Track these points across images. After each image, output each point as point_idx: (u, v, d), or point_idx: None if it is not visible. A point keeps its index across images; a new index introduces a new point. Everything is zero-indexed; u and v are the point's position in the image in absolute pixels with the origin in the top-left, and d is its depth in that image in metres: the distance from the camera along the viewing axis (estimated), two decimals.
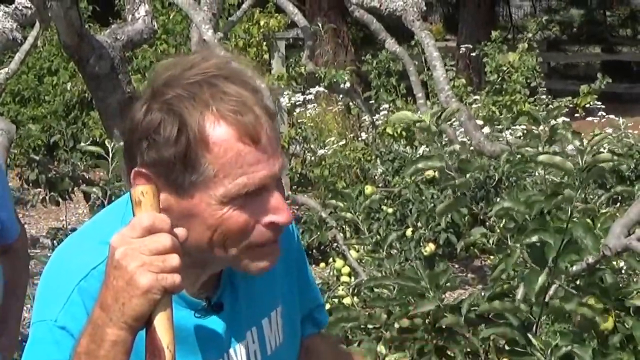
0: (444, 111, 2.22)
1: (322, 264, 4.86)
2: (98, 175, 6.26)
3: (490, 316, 2.33)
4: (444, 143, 2.34)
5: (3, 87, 4.51)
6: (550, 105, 7.19)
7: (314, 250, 5.63)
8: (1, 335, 2.15)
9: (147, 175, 1.17)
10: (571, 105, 7.49)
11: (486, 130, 5.96)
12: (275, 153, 1.19)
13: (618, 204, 4.69)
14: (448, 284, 2.35)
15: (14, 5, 4.21)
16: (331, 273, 4.13)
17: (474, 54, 8.61)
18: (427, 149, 5.77)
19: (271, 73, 8.75)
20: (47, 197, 5.13)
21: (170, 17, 9.25)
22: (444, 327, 2.34)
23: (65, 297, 1.21)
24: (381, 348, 2.46)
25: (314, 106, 8.10)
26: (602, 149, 2.00)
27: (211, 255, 1.23)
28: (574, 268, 2.10)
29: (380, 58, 8.00)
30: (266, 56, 9.00)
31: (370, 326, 2.54)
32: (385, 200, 5.26)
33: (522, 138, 5.45)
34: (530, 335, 2.05)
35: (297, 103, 8.06)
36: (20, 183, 5.70)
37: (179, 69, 1.19)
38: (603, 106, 7.68)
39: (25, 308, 2.66)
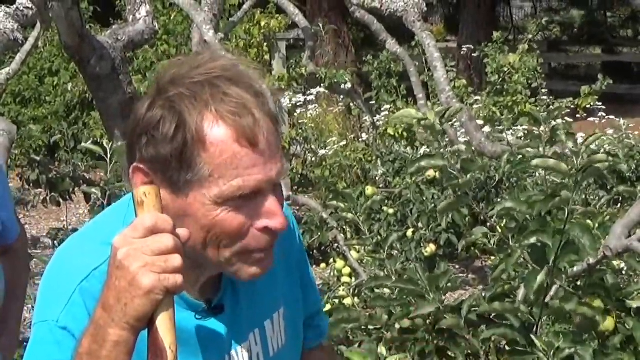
0: (448, 110, 2.22)
1: (323, 265, 4.86)
2: (99, 175, 6.26)
3: (491, 317, 2.33)
4: (444, 144, 2.34)
5: (4, 88, 4.52)
6: (552, 106, 7.19)
7: (315, 251, 5.63)
8: (1, 336, 2.15)
9: (145, 171, 1.18)
10: (572, 106, 7.49)
11: (486, 129, 5.96)
12: (274, 158, 1.18)
13: (619, 204, 4.69)
14: (449, 285, 2.34)
15: (15, 6, 4.21)
16: (332, 274, 4.13)
17: (474, 55, 8.61)
18: (428, 150, 5.77)
19: (272, 74, 8.75)
20: (47, 198, 5.13)
21: (171, 17, 9.26)
22: (444, 328, 2.34)
23: (66, 297, 1.21)
24: (382, 349, 2.46)
25: (315, 107, 8.11)
26: (602, 150, 2.00)
27: (205, 257, 1.22)
28: (575, 269, 2.10)
29: (381, 59, 8.01)
30: (267, 57, 9.00)
31: (371, 327, 2.54)
32: (386, 201, 5.26)
33: (522, 139, 5.46)
34: (533, 337, 2.05)
35: (298, 104, 8.06)
36: (21, 183, 5.70)
37: (186, 68, 1.19)
38: (604, 107, 7.68)
39: (26, 308, 2.66)
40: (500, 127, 6.50)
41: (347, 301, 3.22)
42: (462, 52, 9.84)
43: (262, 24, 8.83)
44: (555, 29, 18.52)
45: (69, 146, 5.99)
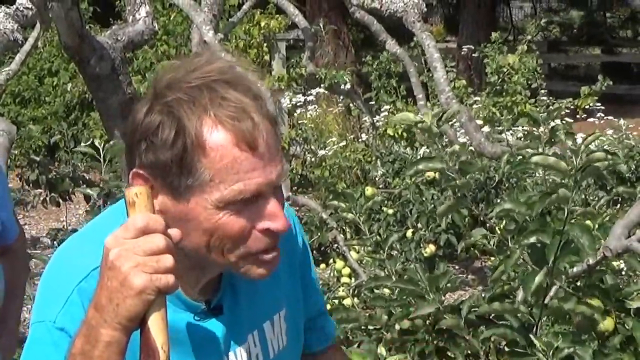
0: (445, 112, 2.22)
1: (323, 265, 4.86)
2: (98, 176, 6.26)
3: (490, 317, 2.33)
4: (444, 144, 2.34)
5: (4, 88, 4.52)
6: (551, 107, 7.19)
7: (314, 252, 5.63)
8: (1, 336, 2.15)
9: (145, 177, 1.18)
10: (572, 107, 7.49)
11: (485, 129, 5.96)
12: (274, 160, 1.18)
13: (618, 205, 4.69)
14: (449, 285, 2.35)
15: (15, 6, 4.21)
16: (331, 274, 4.13)
17: (474, 55, 8.62)
18: (428, 150, 5.78)
19: (272, 74, 8.75)
20: (47, 198, 5.13)
21: (171, 18, 9.26)
22: (444, 328, 2.34)
23: (64, 298, 1.21)
24: (382, 349, 2.46)
25: (315, 107, 8.11)
26: (600, 150, 2.00)
27: (210, 259, 1.23)
28: (574, 269, 2.10)
29: (380, 59, 8.01)
30: (267, 57, 9.00)
31: (370, 327, 2.54)
32: (386, 202, 5.26)
33: (522, 139, 5.46)
34: (532, 337, 2.05)
35: (298, 104, 8.06)
36: (21, 184, 5.70)
37: (182, 71, 1.19)
38: (603, 107, 7.68)
39: (25, 308, 2.66)
40: (500, 128, 6.50)
41: (347, 301, 3.22)
42: (462, 53, 9.84)
43: (262, 24, 8.82)
44: (555, 29, 18.53)
45: (69, 146, 5.99)
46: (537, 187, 4.65)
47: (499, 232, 2.31)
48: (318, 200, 6.12)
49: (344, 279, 3.46)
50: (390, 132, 6.87)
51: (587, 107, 7.68)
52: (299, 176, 7.64)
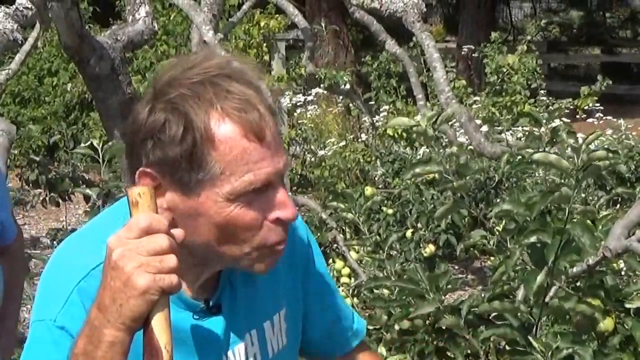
0: (440, 115, 2.22)
1: None
2: (98, 176, 6.26)
3: (490, 317, 2.33)
4: (444, 144, 2.34)
5: (3, 88, 4.51)
6: (551, 107, 7.19)
7: None
8: (0, 336, 2.15)
9: (152, 175, 1.18)
10: (571, 107, 7.49)
11: (484, 129, 5.95)
12: (279, 150, 1.20)
13: (618, 205, 4.69)
14: (449, 285, 2.34)
15: (14, 6, 4.21)
16: (331, 274, 4.13)
17: (474, 55, 8.62)
18: (428, 150, 5.77)
19: (271, 74, 8.75)
20: (47, 198, 5.12)
21: (171, 18, 9.26)
22: (444, 328, 2.34)
23: (64, 297, 1.21)
24: (382, 349, 2.46)
25: (314, 107, 8.11)
26: (601, 149, 1.99)
27: (217, 254, 1.23)
28: (574, 269, 2.10)
29: (380, 59, 8.00)
30: (266, 57, 9.00)
31: (370, 327, 2.53)
32: (385, 202, 5.25)
33: (522, 139, 5.45)
34: (531, 338, 2.05)
35: (298, 104, 8.06)
36: (20, 184, 5.70)
37: (180, 69, 1.19)
38: (602, 108, 7.68)
39: (25, 308, 2.66)
40: (500, 128, 6.50)
41: (347, 302, 3.21)
42: (461, 53, 9.84)
43: (262, 24, 8.83)
44: (555, 29, 18.52)
45: (68, 146, 5.99)
46: (536, 187, 4.65)
47: (498, 232, 2.31)
48: (318, 200, 6.12)
49: (344, 279, 3.46)
50: (390, 132, 6.86)
51: (586, 107, 7.68)
52: (298, 176, 7.63)
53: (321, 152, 7.24)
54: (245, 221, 1.19)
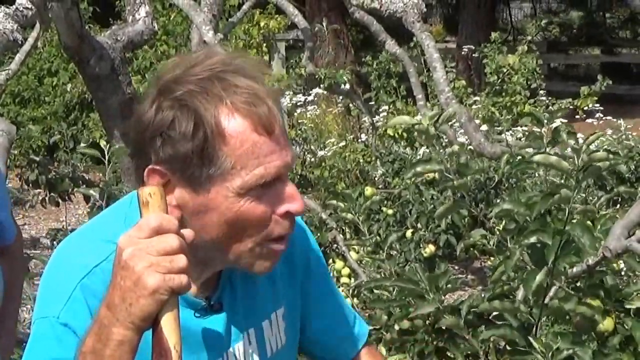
0: (442, 114, 2.22)
1: None
2: (98, 176, 6.26)
3: (490, 317, 2.33)
4: (444, 144, 2.34)
5: (3, 88, 4.51)
6: (551, 107, 7.19)
7: None
8: (0, 336, 2.15)
9: (162, 172, 1.19)
10: (571, 107, 7.49)
11: (484, 129, 5.95)
12: (287, 144, 1.21)
13: (618, 205, 4.69)
14: (448, 285, 2.34)
15: (14, 6, 4.20)
16: (331, 274, 4.12)
17: (474, 56, 8.62)
18: (428, 150, 5.77)
19: (271, 74, 8.75)
20: (47, 198, 5.12)
21: (171, 18, 9.26)
22: (444, 328, 2.34)
23: (67, 294, 1.21)
24: (382, 349, 2.46)
25: (314, 107, 8.11)
26: (601, 150, 1.99)
27: (220, 252, 1.23)
28: (574, 269, 2.10)
29: (380, 59, 8.00)
30: (266, 57, 9.01)
31: (370, 327, 2.53)
32: (385, 202, 5.25)
33: (522, 139, 5.45)
34: (531, 338, 2.05)
35: (298, 104, 8.06)
36: (20, 184, 5.70)
37: (183, 68, 1.20)
38: (602, 108, 7.68)
39: (25, 309, 2.66)
40: (500, 128, 6.50)
41: (348, 305, 3.21)
42: (461, 53, 9.84)
43: (262, 24, 8.84)
44: (555, 29, 18.52)
45: (68, 147, 5.99)
46: (536, 188, 4.65)
47: (498, 232, 2.31)
48: (317, 200, 6.12)
49: (344, 279, 3.45)
50: (390, 132, 6.86)
51: (586, 107, 7.68)
52: (298, 176, 7.63)
53: (321, 153, 7.24)
54: (255, 215, 1.20)
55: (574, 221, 2.06)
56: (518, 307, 2.17)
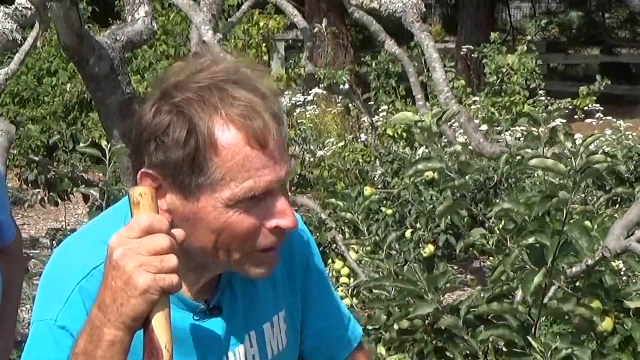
0: (445, 112, 2.22)
1: None
2: (98, 176, 6.26)
3: (489, 318, 2.33)
4: (443, 145, 2.34)
5: (3, 88, 4.51)
6: (550, 107, 7.19)
7: None
8: (0, 337, 2.15)
9: (154, 177, 1.18)
10: (571, 107, 7.49)
11: (483, 128, 5.95)
12: (283, 158, 1.19)
13: (617, 205, 4.69)
14: (448, 285, 2.35)
15: (14, 6, 4.20)
16: (330, 274, 4.13)
17: (473, 56, 8.62)
18: (427, 150, 5.77)
19: (271, 74, 8.75)
20: (46, 198, 5.12)
21: (170, 18, 9.26)
22: (443, 328, 2.34)
23: (65, 296, 1.21)
24: (381, 349, 2.46)
25: (314, 107, 8.11)
26: (601, 151, 2.00)
27: (214, 259, 1.23)
28: (573, 269, 2.10)
29: (379, 59, 8.00)
30: (266, 58, 9.01)
31: (370, 327, 2.54)
32: (385, 202, 5.25)
33: (521, 139, 5.45)
34: (530, 338, 2.05)
35: (298, 104, 8.06)
36: (20, 184, 5.70)
37: (188, 72, 1.19)
38: (602, 108, 7.68)
39: (25, 309, 2.66)
40: (499, 128, 6.50)
41: (346, 302, 3.22)
42: (462, 53, 9.84)
43: (261, 24, 8.84)
44: (554, 30, 18.52)
45: (68, 147, 5.99)
46: (535, 188, 4.65)
47: (498, 232, 2.31)
48: (317, 200, 6.12)
49: (343, 279, 3.46)
50: (389, 132, 6.87)
51: (586, 107, 7.68)
52: (298, 176, 7.63)
53: (320, 153, 7.24)
54: (243, 227, 1.19)
55: (572, 222, 2.06)
56: (517, 308, 2.17)
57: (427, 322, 2.38)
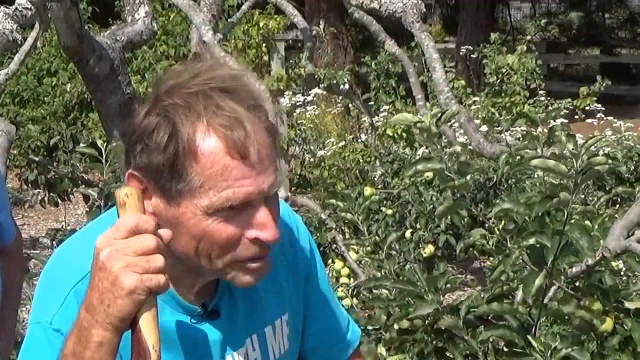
0: (444, 112, 2.22)
1: None
2: (97, 176, 6.26)
3: (489, 318, 2.33)
4: (443, 145, 2.34)
5: (3, 88, 4.51)
6: (550, 107, 7.19)
7: None
8: (0, 337, 2.15)
9: (139, 179, 1.19)
10: (571, 107, 7.49)
11: (483, 128, 5.95)
12: (267, 170, 1.18)
13: (617, 205, 4.69)
14: (447, 285, 2.35)
15: (14, 7, 4.20)
16: (330, 274, 4.13)
17: (473, 56, 8.62)
18: (427, 151, 5.77)
19: (270, 75, 8.75)
20: (46, 198, 5.13)
21: (170, 18, 9.26)
22: (443, 328, 2.34)
23: (61, 299, 1.21)
24: (381, 349, 2.46)
25: (314, 107, 8.11)
26: (600, 153, 2.00)
27: (199, 265, 1.23)
28: (573, 270, 2.10)
29: (379, 59, 8.00)
30: (266, 58, 9.00)
31: (369, 327, 2.54)
32: (385, 202, 5.26)
33: (521, 139, 5.45)
34: (530, 338, 2.05)
35: (297, 104, 8.06)
36: (20, 184, 5.70)
37: (186, 76, 1.19)
38: (602, 108, 7.68)
39: (24, 309, 2.66)
40: (499, 128, 6.50)
41: (346, 302, 3.22)
42: (461, 53, 9.84)
43: (261, 24, 8.83)
44: (554, 30, 18.52)
45: (68, 147, 6.00)
46: (535, 188, 4.65)
47: (497, 232, 2.31)
48: (317, 200, 6.12)
49: (343, 279, 3.46)
50: (389, 132, 6.87)
51: (586, 107, 7.68)
52: (297, 176, 7.63)
53: (320, 153, 7.24)
54: (221, 236, 1.18)
55: (572, 222, 2.06)
56: (517, 308, 2.17)
57: (427, 322, 2.38)
